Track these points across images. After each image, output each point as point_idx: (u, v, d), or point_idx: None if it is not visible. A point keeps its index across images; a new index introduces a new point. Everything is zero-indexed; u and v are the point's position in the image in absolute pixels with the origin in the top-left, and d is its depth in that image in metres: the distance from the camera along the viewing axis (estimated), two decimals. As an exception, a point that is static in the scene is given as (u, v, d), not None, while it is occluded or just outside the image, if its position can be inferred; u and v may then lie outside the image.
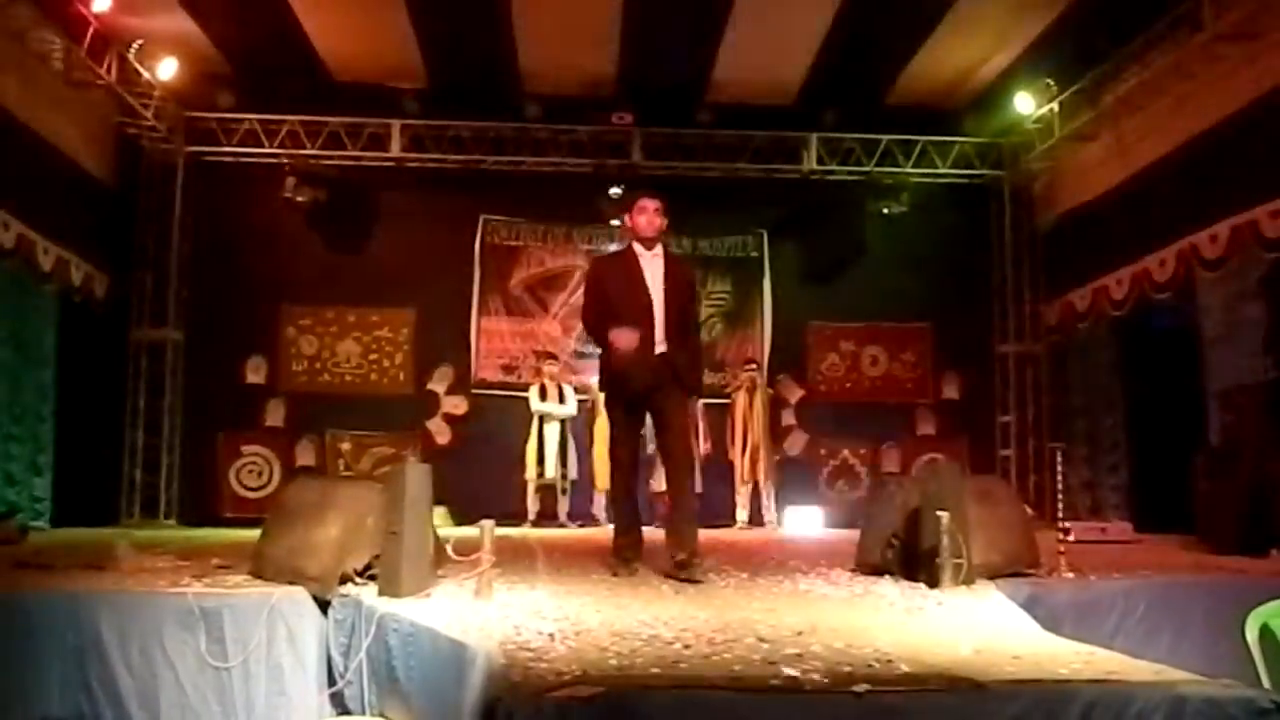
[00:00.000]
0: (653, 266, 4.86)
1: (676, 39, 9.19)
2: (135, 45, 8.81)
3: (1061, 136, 9.66)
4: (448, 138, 10.22)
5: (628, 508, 4.96)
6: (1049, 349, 10.69)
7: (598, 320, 4.87)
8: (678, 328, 4.82)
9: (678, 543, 4.61)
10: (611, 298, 4.84)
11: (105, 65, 8.63)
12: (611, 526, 5.00)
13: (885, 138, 10.31)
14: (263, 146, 10.06)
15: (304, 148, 9.99)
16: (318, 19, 8.99)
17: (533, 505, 9.32)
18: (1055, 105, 9.57)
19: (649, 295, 4.77)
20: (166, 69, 9.09)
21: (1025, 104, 9.73)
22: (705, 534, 8.49)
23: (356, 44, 9.49)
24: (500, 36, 9.16)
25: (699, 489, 9.66)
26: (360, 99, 10.11)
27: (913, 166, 10.40)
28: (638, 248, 4.93)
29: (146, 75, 9.05)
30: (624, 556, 4.77)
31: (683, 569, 4.49)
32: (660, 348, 4.76)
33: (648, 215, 4.89)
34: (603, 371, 4.96)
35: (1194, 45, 7.73)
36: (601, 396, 5.33)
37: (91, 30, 8.23)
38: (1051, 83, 9.46)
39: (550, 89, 10.14)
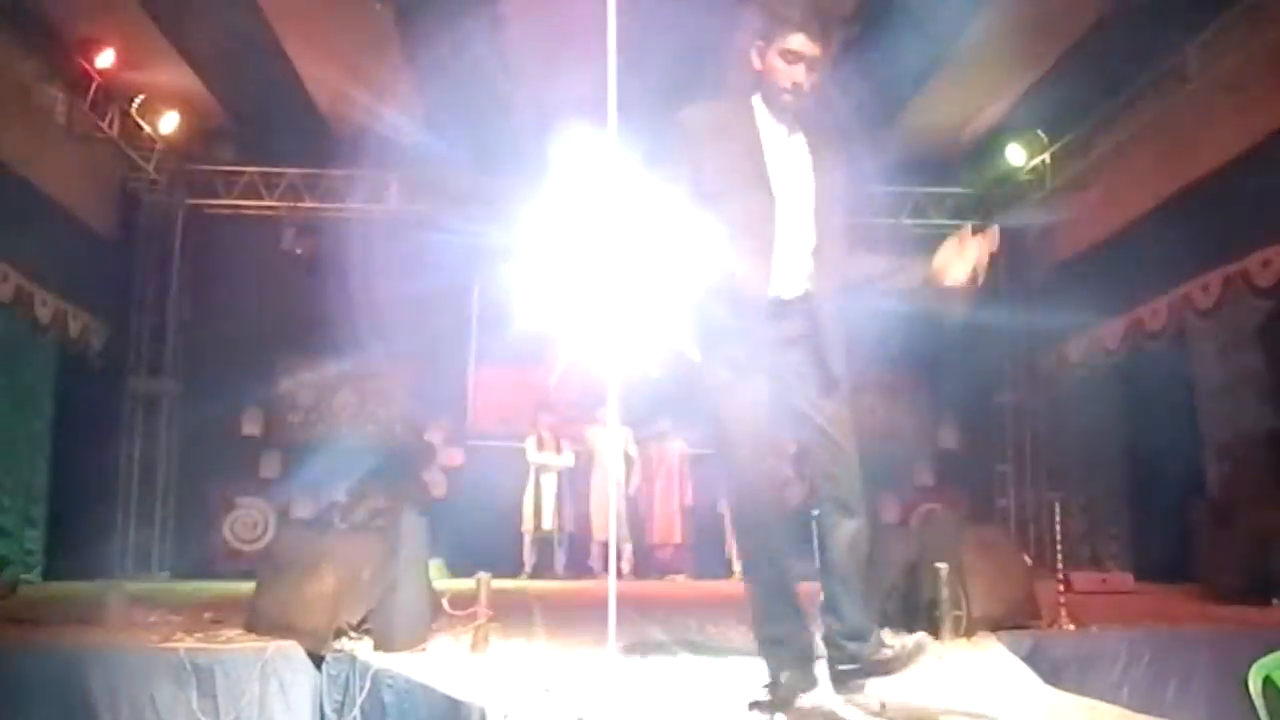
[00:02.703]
0: (788, 147, 2.79)
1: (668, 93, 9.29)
2: (138, 100, 8.93)
3: (1054, 187, 9.76)
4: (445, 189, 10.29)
5: (768, 572, 2.93)
6: (1046, 399, 10.69)
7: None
8: (832, 251, 2.83)
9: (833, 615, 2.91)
10: (716, 193, 2.72)
11: (108, 119, 8.74)
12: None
13: (880, 189, 10.40)
14: (262, 199, 10.13)
15: (303, 199, 10.07)
16: (317, 73, 9.11)
17: (529, 557, 9.24)
18: (1047, 157, 9.69)
19: (771, 196, 2.73)
20: (168, 123, 9.21)
21: (1017, 155, 9.85)
22: (696, 587, 8.31)
23: (355, 97, 9.59)
24: (499, 92, 9.27)
25: (679, 538, 9.54)
26: (359, 151, 10.20)
27: (907, 218, 10.48)
28: (761, 110, 2.80)
29: (148, 129, 9.16)
30: (780, 661, 2.77)
31: (850, 658, 2.81)
32: (799, 286, 2.81)
33: (800, 71, 2.72)
34: (702, 335, 2.86)
35: (1182, 97, 7.86)
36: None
37: (95, 85, 8.33)
38: (1043, 134, 9.59)
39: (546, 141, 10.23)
